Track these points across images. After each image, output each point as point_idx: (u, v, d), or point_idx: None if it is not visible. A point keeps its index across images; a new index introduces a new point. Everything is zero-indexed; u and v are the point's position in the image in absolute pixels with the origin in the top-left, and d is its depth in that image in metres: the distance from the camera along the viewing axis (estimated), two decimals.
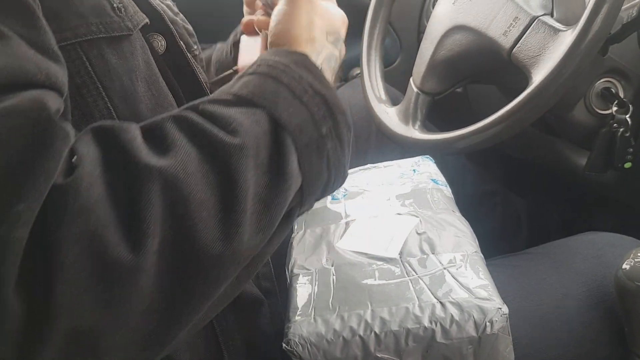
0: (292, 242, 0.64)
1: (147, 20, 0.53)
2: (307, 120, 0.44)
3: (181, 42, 0.58)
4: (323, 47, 0.53)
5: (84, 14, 0.46)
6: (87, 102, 0.47)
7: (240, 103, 0.43)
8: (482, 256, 0.57)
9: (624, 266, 0.58)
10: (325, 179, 0.47)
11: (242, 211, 0.38)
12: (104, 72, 0.47)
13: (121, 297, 0.34)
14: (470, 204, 0.97)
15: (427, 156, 0.77)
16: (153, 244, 0.35)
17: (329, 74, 0.53)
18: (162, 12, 0.57)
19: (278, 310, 0.61)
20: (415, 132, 0.83)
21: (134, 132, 0.39)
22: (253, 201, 0.39)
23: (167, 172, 0.37)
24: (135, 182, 0.36)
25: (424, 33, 0.87)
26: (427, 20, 0.88)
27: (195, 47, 0.70)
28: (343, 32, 0.59)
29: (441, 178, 0.71)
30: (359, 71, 0.97)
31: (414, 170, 0.74)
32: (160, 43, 0.56)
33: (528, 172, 1.21)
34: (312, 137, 0.44)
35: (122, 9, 0.50)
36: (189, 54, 0.59)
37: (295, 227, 0.66)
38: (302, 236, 0.64)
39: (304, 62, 0.48)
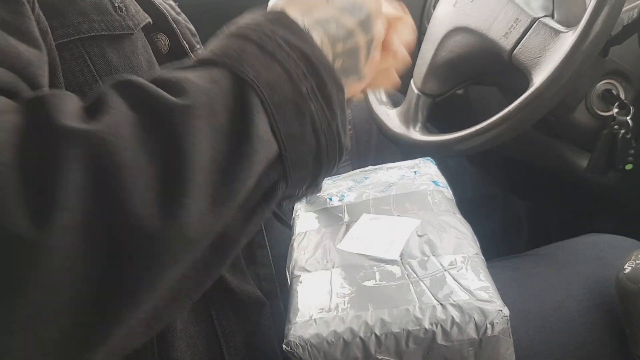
0: (292, 244, 0.64)
1: (149, 20, 0.53)
2: (281, 77, 0.39)
3: (184, 42, 0.58)
4: (315, 7, 0.46)
5: (86, 11, 0.46)
6: None
7: (200, 65, 0.39)
8: (483, 258, 0.57)
9: (625, 268, 0.58)
10: (313, 146, 0.41)
11: (189, 181, 0.32)
12: (105, 71, 0.47)
13: (21, 282, 0.28)
14: (470, 206, 0.96)
15: (428, 158, 0.77)
16: (64, 217, 0.29)
17: (323, 38, 0.45)
18: (165, 12, 0.57)
19: (279, 311, 0.61)
20: (416, 134, 0.83)
21: (68, 99, 0.35)
22: (206, 170, 0.34)
23: (94, 137, 0.31)
24: (51, 146, 0.30)
25: (424, 34, 0.87)
26: (428, 22, 0.88)
27: (198, 46, 0.70)
28: (368, 5, 0.49)
29: (442, 180, 0.71)
30: None
31: (414, 172, 0.74)
32: (164, 43, 0.57)
33: (529, 174, 1.21)
34: (288, 96, 0.39)
35: (123, 8, 0.50)
36: (192, 54, 0.59)
37: (296, 229, 0.66)
38: (303, 238, 0.64)
39: (279, 17, 0.42)
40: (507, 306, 0.51)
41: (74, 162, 0.30)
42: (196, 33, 0.70)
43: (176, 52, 0.57)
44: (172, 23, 0.57)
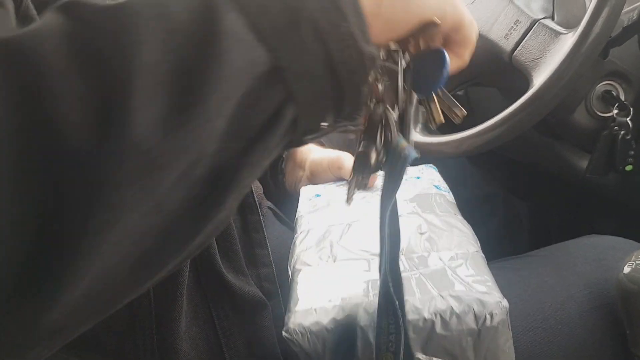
0: (295, 242, 0.64)
1: None
2: None
3: None
4: None
5: None
6: None
7: None
8: (483, 256, 0.57)
9: (626, 269, 0.58)
10: (320, 53, 0.30)
11: (131, 86, 0.26)
12: None
13: None
14: (471, 207, 0.96)
15: (431, 165, 0.77)
16: None
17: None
18: None
19: (280, 312, 0.61)
20: (416, 135, 0.83)
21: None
22: (155, 74, 0.27)
23: (13, 42, 0.26)
24: None
25: None
26: None
27: None
28: None
29: (444, 185, 0.72)
30: None
31: (417, 177, 0.74)
32: None
33: (529, 175, 1.21)
34: None
35: None
36: None
37: (299, 228, 0.67)
38: (305, 236, 0.64)
39: None
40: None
41: None
42: None
43: None
44: None
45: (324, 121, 0.33)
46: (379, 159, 0.42)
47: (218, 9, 0.29)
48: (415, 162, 0.49)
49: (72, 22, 0.27)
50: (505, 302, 0.49)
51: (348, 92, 0.32)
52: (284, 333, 0.49)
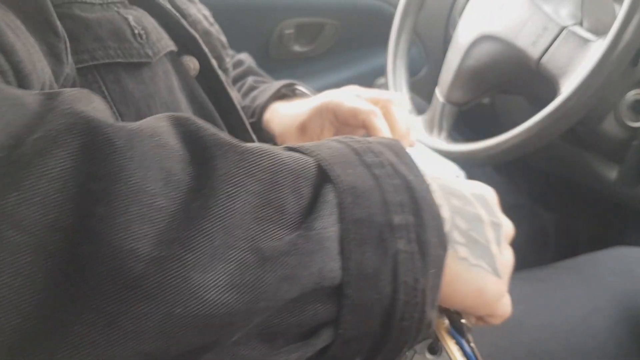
0: None
1: (172, 48, 0.52)
2: (372, 191, 0.31)
3: (215, 66, 0.57)
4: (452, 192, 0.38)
5: (102, 38, 0.45)
6: None
7: (282, 148, 0.33)
8: None
9: None
10: (386, 298, 0.31)
11: (205, 233, 0.26)
12: (120, 97, 0.45)
13: None
14: None
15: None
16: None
17: (441, 201, 0.36)
18: (195, 35, 0.55)
19: None
20: (440, 143, 0.83)
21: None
22: (238, 238, 0.27)
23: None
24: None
25: (450, 43, 0.87)
26: (454, 30, 0.88)
27: (228, 59, 0.70)
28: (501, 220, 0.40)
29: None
30: (384, 80, 0.96)
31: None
32: (194, 65, 0.55)
33: (556, 185, 1.19)
34: (374, 218, 0.31)
35: (143, 36, 0.48)
36: (221, 75, 0.58)
37: None
38: None
39: (393, 144, 0.35)
40: (531, 317, 0.50)
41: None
42: (227, 45, 0.70)
43: (206, 74, 0.56)
44: (203, 46, 0.56)
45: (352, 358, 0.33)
46: None
47: (322, 207, 0.30)
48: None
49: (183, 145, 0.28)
50: None
51: (389, 345, 0.32)
52: None
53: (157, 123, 0.29)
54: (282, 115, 0.71)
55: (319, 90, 1.23)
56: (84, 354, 0.25)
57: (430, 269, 0.32)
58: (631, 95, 0.74)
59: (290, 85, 0.75)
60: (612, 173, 0.82)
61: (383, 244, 0.30)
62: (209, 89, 0.56)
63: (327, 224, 0.29)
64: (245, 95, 0.77)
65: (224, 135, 0.30)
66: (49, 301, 0.24)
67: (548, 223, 1.13)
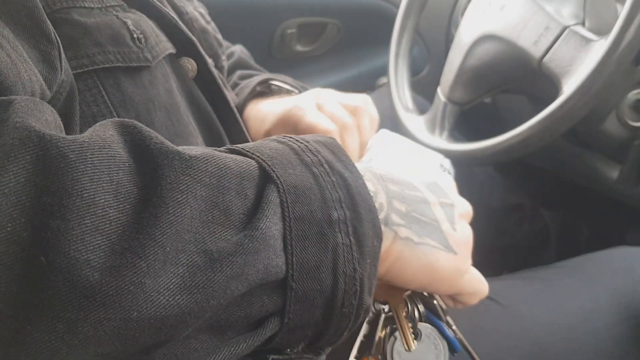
0: None
1: (171, 51, 0.52)
2: (311, 190, 0.33)
3: (212, 68, 0.57)
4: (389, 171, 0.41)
5: (102, 42, 0.45)
6: None
7: (227, 150, 0.35)
8: None
9: None
10: (327, 288, 0.33)
11: (156, 241, 0.27)
12: (120, 102, 0.45)
13: None
14: (498, 217, 0.95)
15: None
16: None
17: (377, 185, 0.39)
18: (194, 39, 0.56)
19: None
20: (442, 142, 0.83)
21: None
22: (187, 242, 0.28)
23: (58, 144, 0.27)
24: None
25: (452, 42, 0.87)
26: (456, 30, 0.88)
27: (224, 57, 0.70)
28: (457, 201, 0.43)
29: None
30: (386, 80, 0.96)
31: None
32: (192, 67, 0.55)
33: (557, 185, 1.19)
34: (314, 213, 0.33)
35: (142, 40, 0.48)
36: (217, 77, 0.58)
37: None
38: None
39: (329, 142, 0.37)
40: (533, 316, 0.50)
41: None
42: (222, 42, 0.70)
43: (203, 76, 0.56)
44: (201, 49, 0.56)
45: (295, 347, 0.36)
46: None
47: (267, 207, 0.31)
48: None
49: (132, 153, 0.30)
50: None
51: (327, 336, 0.35)
52: None
53: (105, 132, 0.30)
54: (253, 119, 0.72)
55: None
56: (45, 359, 0.26)
57: (367, 258, 0.34)
58: (633, 94, 0.74)
59: (265, 82, 0.75)
60: (613, 173, 0.82)
61: (323, 238, 0.33)
62: (206, 91, 0.56)
63: (271, 223, 0.31)
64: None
65: (168, 144, 0.31)
66: (8, 310, 0.25)
67: (549, 222, 1.13)
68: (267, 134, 0.69)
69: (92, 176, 0.27)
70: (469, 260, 0.42)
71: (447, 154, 0.80)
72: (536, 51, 0.71)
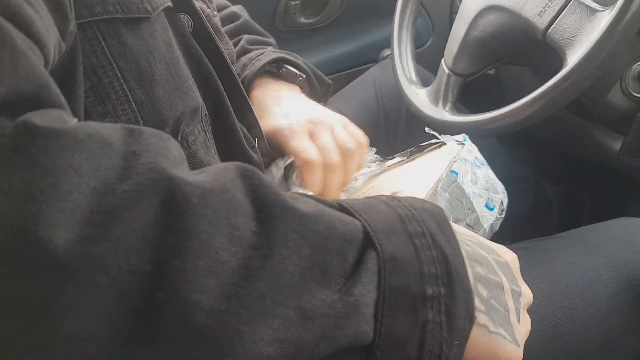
0: None
1: (169, 4, 0.52)
2: (410, 261, 0.33)
3: (207, 23, 0.57)
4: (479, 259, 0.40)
5: None
6: (104, 83, 0.45)
7: (335, 207, 0.36)
8: None
9: None
10: None
11: (258, 292, 0.29)
12: (120, 53, 0.45)
13: None
14: None
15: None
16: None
17: (471, 266, 0.38)
18: None
19: None
20: (445, 114, 0.83)
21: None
22: (285, 297, 0.30)
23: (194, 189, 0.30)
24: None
25: (456, 14, 0.86)
26: (460, 1, 0.87)
27: (216, 12, 0.69)
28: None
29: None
30: (389, 52, 0.96)
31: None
32: (188, 23, 0.55)
33: (560, 157, 1.19)
34: (408, 287, 0.33)
35: None
36: (213, 33, 0.58)
37: None
38: None
39: (437, 213, 0.37)
40: (533, 286, 0.50)
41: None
42: (216, 13, 0.69)
43: (200, 32, 0.56)
44: (195, 3, 0.56)
45: None
46: None
47: (363, 274, 0.32)
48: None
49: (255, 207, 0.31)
50: None
51: None
52: None
53: (227, 176, 0.32)
54: (256, 102, 0.72)
55: (327, 62, 1.22)
56: None
57: (455, 339, 0.34)
58: (638, 66, 0.73)
59: (277, 61, 0.74)
60: (616, 144, 0.82)
61: (414, 312, 0.33)
62: (203, 46, 0.56)
63: (366, 291, 0.32)
64: (237, 56, 0.77)
65: (285, 196, 0.32)
66: (122, 336, 0.27)
67: (552, 194, 1.14)
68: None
69: (210, 220, 0.29)
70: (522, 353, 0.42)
71: (450, 126, 0.81)
72: (541, 22, 0.71)
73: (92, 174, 0.28)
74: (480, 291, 0.38)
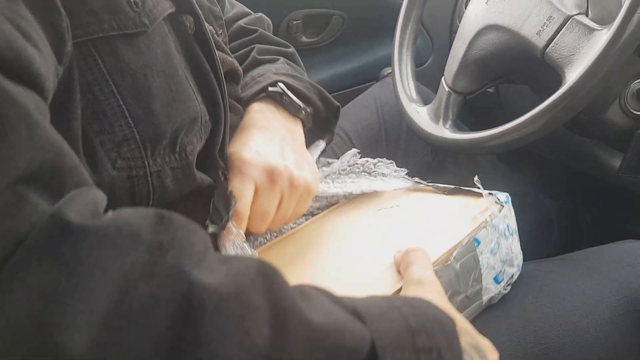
0: None
1: (171, 10, 0.51)
2: None
3: (206, 27, 0.56)
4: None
5: (96, 11, 0.44)
6: (99, 100, 0.45)
7: (349, 310, 0.37)
8: None
9: None
10: None
11: None
12: (116, 69, 0.45)
13: None
14: None
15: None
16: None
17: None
18: None
19: None
20: (446, 132, 0.83)
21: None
22: None
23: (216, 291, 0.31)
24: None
25: (456, 33, 0.87)
26: (460, 21, 0.88)
27: (221, 31, 0.68)
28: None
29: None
30: (390, 70, 0.97)
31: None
32: (190, 24, 0.55)
33: (560, 174, 1.19)
34: None
35: (139, 4, 0.47)
36: (210, 38, 0.57)
37: None
38: None
39: (449, 325, 0.40)
40: (537, 308, 0.51)
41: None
42: (221, 16, 0.69)
43: (200, 34, 0.55)
44: (196, 7, 0.55)
45: None
46: None
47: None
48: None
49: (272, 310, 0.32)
50: None
51: None
52: None
53: (247, 275, 0.33)
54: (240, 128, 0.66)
55: (329, 80, 1.23)
56: None
57: None
58: (636, 84, 0.74)
59: (275, 84, 0.69)
60: (615, 161, 0.82)
61: None
62: (202, 49, 0.56)
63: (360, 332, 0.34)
64: (248, 69, 0.74)
65: (299, 300, 0.34)
66: None
67: (553, 210, 1.14)
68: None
69: (221, 328, 0.30)
70: None
71: (450, 144, 0.81)
72: (539, 41, 0.72)
73: (116, 272, 0.29)
74: None
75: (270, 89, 0.68)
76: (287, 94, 0.68)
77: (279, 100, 0.69)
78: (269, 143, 0.63)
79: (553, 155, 1.03)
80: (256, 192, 0.59)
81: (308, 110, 0.70)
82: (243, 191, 0.58)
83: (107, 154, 0.46)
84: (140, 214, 0.33)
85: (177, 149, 0.51)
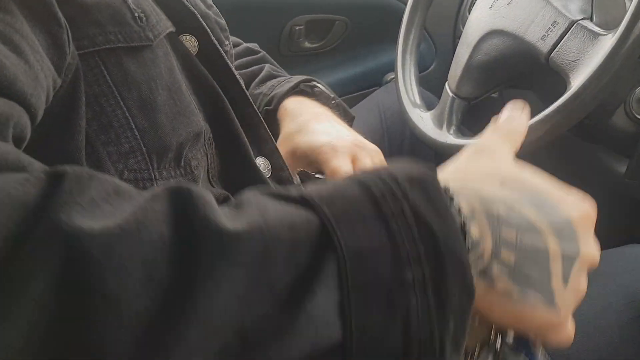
0: None
1: (171, 29, 0.52)
2: (382, 252, 0.29)
3: (215, 41, 0.56)
4: (483, 185, 0.36)
5: (102, 23, 0.44)
6: (106, 111, 0.45)
7: (294, 200, 0.31)
8: None
9: None
10: (397, 352, 0.29)
11: (181, 335, 0.26)
12: (122, 81, 0.45)
13: None
14: None
15: None
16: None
17: (479, 216, 0.34)
18: (195, 12, 0.55)
19: None
20: (449, 137, 0.83)
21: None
22: (219, 328, 0.26)
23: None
24: None
25: (459, 38, 0.87)
26: (463, 26, 0.88)
27: (227, 42, 0.69)
28: (568, 211, 0.38)
29: None
30: (393, 76, 0.97)
31: None
32: (192, 44, 0.54)
33: (565, 179, 1.18)
34: (381, 279, 0.29)
35: (144, 19, 0.47)
36: (221, 50, 0.57)
37: None
38: None
39: (422, 178, 0.32)
40: None
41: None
42: (226, 28, 0.69)
43: (206, 50, 0.55)
44: (203, 22, 0.55)
45: None
46: None
47: (316, 284, 0.28)
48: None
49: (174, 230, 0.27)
50: None
51: None
52: None
53: (151, 208, 0.28)
54: (291, 115, 0.71)
55: (332, 86, 1.23)
56: None
57: (449, 318, 0.30)
58: None
59: (309, 81, 0.74)
60: (621, 167, 0.82)
61: (391, 304, 0.29)
62: (210, 65, 0.55)
63: (324, 298, 0.28)
64: (262, 81, 0.77)
65: (216, 216, 0.28)
66: None
67: None
68: (291, 153, 0.68)
69: (117, 271, 0.25)
70: (569, 316, 0.38)
71: (455, 149, 0.81)
72: (544, 46, 0.72)
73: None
74: (504, 257, 0.34)
75: (301, 85, 0.73)
76: (317, 86, 0.74)
77: (310, 93, 0.74)
78: (330, 123, 0.70)
79: (558, 160, 1.03)
80: (353, 162, 0.65)
81: (337, 99, 0.75)
82: (344, 163, 0.65)
83: (114, 165, 0.46)
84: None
85: (182, 163, 0.51)
